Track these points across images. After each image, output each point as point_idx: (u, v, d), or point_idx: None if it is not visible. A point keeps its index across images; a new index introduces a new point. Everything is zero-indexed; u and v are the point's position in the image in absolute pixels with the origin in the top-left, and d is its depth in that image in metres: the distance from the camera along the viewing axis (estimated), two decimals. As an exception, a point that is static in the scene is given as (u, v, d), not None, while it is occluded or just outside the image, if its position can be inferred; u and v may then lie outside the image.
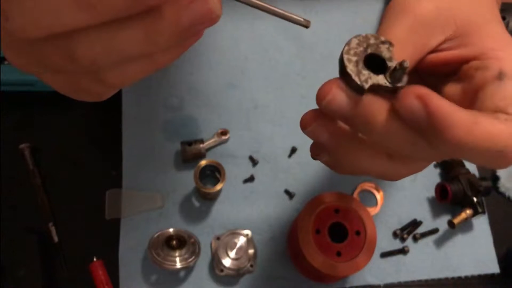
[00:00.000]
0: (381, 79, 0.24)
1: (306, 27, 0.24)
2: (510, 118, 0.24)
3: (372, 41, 0.24)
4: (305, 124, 0.26)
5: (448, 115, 0.21)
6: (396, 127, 0.24)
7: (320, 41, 0.71)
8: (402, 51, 0.27)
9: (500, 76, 0.26)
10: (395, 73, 0.23)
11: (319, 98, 0.24)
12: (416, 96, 0.22)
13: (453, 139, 0.22)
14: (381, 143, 0.25)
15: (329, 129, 0.26)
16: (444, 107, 0.22)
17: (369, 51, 0.24)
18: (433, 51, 0.29)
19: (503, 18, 0.67)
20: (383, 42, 0.24)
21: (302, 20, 0.24)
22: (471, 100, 0.27)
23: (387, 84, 0.23)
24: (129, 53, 0.20)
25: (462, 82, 0.28)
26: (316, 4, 0.73)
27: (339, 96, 0.24)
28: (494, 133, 0.23)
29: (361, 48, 0.24)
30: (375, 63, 0.24)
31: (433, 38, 0.28)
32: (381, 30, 0.29)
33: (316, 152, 0.29)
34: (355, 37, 0.25)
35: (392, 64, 0.24)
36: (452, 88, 0.28)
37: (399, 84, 0.23)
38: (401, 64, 0.23)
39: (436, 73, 0.30)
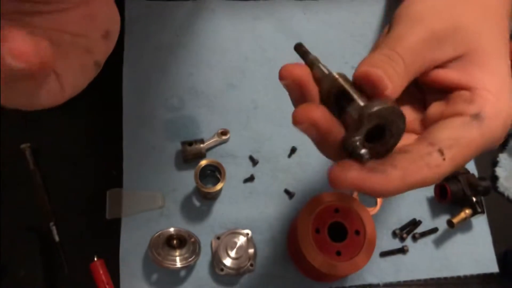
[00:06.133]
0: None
1: None
2: (440, 164, 0.26)
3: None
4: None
5: (380, 190, 0.25)
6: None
7: (320, 42, 0.71)
8: (412, 61, 0.27)
9: (476, 116, 0.27)
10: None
11: (294, 122, 0.25)
12: (350, 183, 0.24)
13: (385, 195, 0.26)
14: None
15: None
16: (375, 185, 0.25)
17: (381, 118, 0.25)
18: (438, 66, 0.29)
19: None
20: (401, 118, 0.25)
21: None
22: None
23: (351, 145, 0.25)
24: None
25: (445, 106, 0.29)
26: (316, 5, 0.74)
27: (310, 130, 0.25)
28: (418, 182, 0.26)
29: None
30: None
31: (444, 54, 0.29)
32: (393, 36, 0.29)
33: None
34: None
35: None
36: (436, 107, 0.29)
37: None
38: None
39: (431, 86, 0.30)
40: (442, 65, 0.29)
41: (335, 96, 0.26)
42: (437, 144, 0.26)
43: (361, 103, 0.25)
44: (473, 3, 0.30)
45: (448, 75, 0.29)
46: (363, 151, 0.24)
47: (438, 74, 0.29)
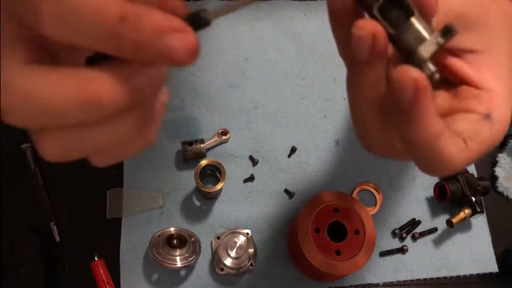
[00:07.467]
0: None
1: None
2: (465, 149, 0.26)
3: None
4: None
5: (428, 119, 0.23)
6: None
7: (319, 42, 0.71)
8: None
9: (487, 117, 0.27)
10: (392, 12, 0.23)
11: (357, 26, 0.23)
12: (412, 83, 0.22)
13: (415, 135, 0.23)
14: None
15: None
16: (428, 110, 0.23)
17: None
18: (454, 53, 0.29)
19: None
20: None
21: None
22: (451, 114, 0.28)
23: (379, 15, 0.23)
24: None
25: (453, 99, 0.29)
26: (315, 6, 0.74)
27: (366, 41, 0.23)
28: (446, 153, 0.25)
29: None
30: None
31: (464, 41, 0.28)
32: None
33: None
34: None
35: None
36: (443, 97, 0.29)
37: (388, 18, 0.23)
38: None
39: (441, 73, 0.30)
40: (455, 53, 0.29)
41: None
42: (460, 134, 0.26)
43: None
44: (498, 6, 0.30)
45: (463, 68, 0.29)
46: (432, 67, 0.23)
47: (455, 64, 0.29)
